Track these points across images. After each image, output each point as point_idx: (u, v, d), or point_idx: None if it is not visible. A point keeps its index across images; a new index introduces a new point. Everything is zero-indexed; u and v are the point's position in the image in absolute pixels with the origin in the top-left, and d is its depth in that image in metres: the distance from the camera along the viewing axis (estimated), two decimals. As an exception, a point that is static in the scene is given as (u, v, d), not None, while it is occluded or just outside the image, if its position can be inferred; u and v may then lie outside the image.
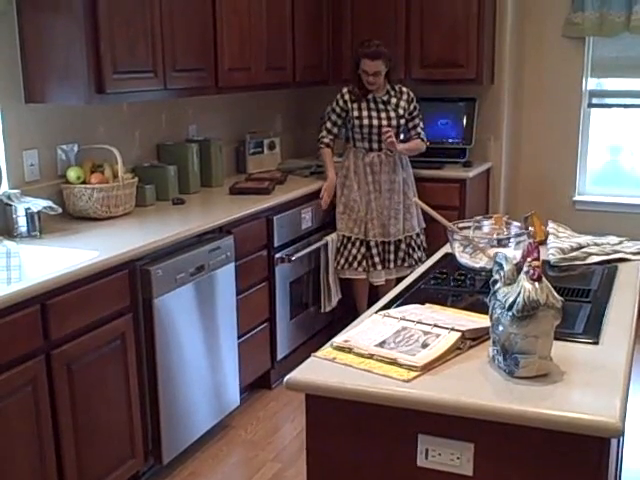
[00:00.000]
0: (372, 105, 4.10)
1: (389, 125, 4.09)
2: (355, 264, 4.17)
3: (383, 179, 4.12)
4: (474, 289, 2.19)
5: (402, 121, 4.16)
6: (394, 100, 4.14)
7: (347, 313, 4.17)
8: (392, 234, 4.16)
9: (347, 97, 4.12)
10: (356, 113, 4.09)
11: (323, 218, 4.18)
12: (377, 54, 3.99)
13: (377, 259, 4.17)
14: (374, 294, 4.13)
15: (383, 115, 4.10)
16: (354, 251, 4.16)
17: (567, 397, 1.50)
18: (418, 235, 4.25)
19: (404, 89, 4.20)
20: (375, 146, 4.12)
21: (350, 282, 4.28)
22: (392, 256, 4.19)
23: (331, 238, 4.13)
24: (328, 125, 4.19)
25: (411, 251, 4.23)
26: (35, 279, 2.38)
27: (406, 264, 4.20)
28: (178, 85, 3.40)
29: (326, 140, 4.20)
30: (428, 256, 2.61)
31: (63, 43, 2.91)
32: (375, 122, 4.08)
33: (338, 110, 4.14)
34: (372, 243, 4.15)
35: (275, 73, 4.16)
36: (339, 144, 4.34)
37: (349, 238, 4.16)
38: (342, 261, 4.18)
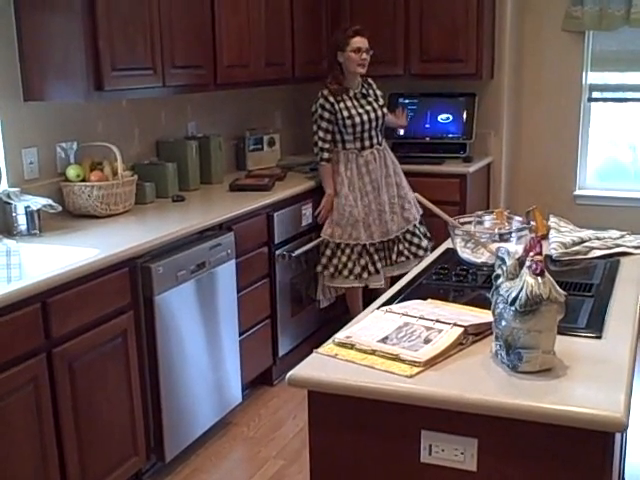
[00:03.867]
0: (355, 102, 3.92)
1: (376, 117, 3.95)
2: (345, 272, 3.96)
3: (379, 175, 3.97)
4: (476, 284, 2.19)
5: (385, 110, 4.06)
6: (371, 91, 4.02)
7: (348, 309, 4.16)
8: (394, 230, 4.01)
9: (332, 99, 3.86)
10: (346, 113, 3.86)
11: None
12: (364, 31, 3.87)
13: (379, 265, 3.99)
14: (367, 295, 4.00)
15: (369, 108, 3.94)
16: (344, 259, 3.95)
17: (571, 392, 1.50)
18: (421, 223, 4.09)
19: (369, 79, 4.05)
20: (367, 143, 3.94)
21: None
22: (395, 248, 4.02)
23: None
24: (321, 135, 3.87)
25: (417, 240, 4.07)
26: (35, 277, 2.38)
27: (411, 255, 4.03)
28: (177, 82, 3.39)
29: (326, 155, 3.89)
30: (431, 250, 2.59)
31: (61, 40, 2.90)
32: (365, 117, 3.90)
33: (327, 115, 3.85)
34: (372, 249, 3.96)
35: (274, 69, 4.15)
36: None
37: (338, 245, 3.96)
38: (332, 269, 3.98)
